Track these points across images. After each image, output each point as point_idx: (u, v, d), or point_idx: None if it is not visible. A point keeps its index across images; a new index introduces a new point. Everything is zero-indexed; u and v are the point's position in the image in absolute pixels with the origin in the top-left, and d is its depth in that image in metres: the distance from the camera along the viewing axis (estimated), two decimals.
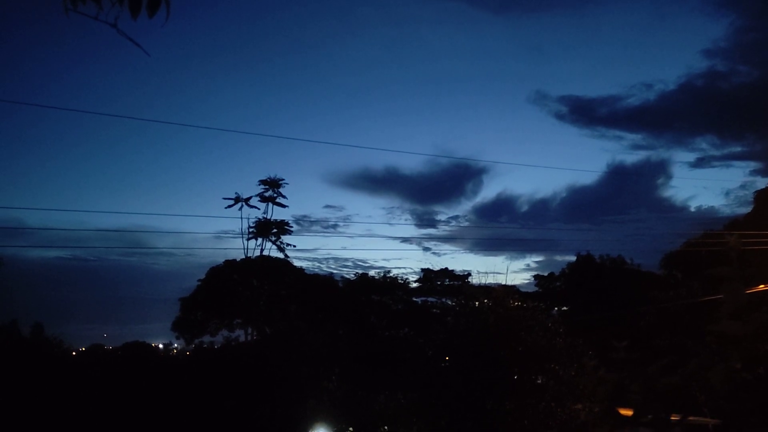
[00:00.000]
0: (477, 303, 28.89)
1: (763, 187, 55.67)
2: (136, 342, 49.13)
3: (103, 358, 44.67)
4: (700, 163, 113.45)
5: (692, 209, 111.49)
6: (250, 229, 40.30)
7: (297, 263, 49.41)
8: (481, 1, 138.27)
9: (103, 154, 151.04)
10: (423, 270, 52.13)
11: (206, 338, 46.65)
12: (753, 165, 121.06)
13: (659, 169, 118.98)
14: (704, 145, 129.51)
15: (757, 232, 30.11)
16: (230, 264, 46.60)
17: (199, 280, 48.40)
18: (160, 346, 58.46)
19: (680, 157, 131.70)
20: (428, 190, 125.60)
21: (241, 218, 39.68)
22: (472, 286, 38.46)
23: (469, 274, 51.67)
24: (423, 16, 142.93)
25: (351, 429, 26.96)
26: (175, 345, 54.61)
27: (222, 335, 44.94)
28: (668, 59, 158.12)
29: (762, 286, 28.21)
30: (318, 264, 79.44)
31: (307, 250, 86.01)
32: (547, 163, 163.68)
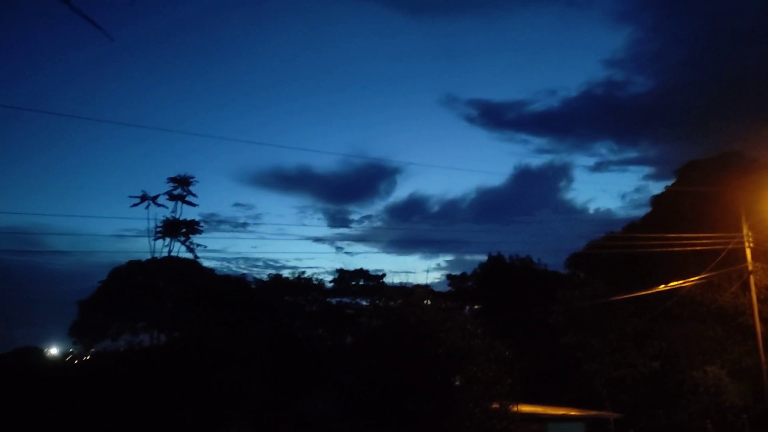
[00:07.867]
0: (393, 303, 28.74)
1: (657, 191, 59.53)
2: (28, 347, 45.55)
3: None
4: (599, 168, 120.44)
5: (591, 211, 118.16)
6: (158, 229, 38.37)
7: (207, 264, 47.64)
8: (397, 2, 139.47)
9: None
10: (338, 270, 51.65)
11: (107, 343, 44.03)
12: (647, 170, 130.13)
13: (562, 173, 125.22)
14: (603, 150, 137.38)
15: (656, 235, 31.93)
16: (134, 264, 44.20)
17: (100, 282, 45.59)
18: (54, 350, 54.61)
19: (581, 161, 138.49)
20: (341, 190, 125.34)
21: (148, 218, 37.71)
22: (391, 286, 38.51)
23: (384, 275, 51.82)
24: (337, 15, 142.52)
25: None
26: (71, 350, 51.16)
27: (124, 340, 42.53)
28: (571, 67, 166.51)
29: (662, 286, 30.02)
30: (227, 264, 77.24)
31: (217, 251, 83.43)
32: (457, 164, 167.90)
